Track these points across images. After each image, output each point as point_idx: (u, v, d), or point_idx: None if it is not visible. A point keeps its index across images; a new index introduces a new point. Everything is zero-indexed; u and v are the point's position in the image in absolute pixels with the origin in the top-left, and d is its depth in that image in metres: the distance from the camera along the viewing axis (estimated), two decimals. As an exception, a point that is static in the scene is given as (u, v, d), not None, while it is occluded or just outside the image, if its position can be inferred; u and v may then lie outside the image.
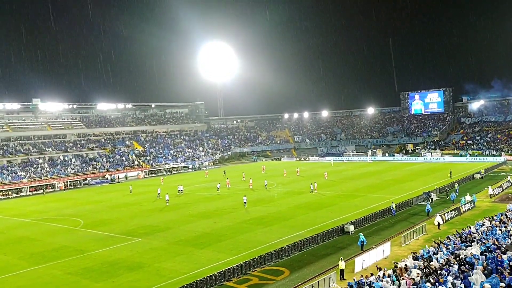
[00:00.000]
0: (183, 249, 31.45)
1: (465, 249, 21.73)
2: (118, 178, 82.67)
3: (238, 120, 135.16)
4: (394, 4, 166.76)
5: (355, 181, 61.99)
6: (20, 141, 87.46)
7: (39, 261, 30.30)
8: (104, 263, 29.01)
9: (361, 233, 29.71)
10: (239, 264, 25.66)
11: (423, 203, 42.46)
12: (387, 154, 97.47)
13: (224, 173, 77.16)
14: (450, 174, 60.71)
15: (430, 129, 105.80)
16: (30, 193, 70.46)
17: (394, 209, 39.02)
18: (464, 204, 39.24)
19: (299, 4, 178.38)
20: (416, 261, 20.73)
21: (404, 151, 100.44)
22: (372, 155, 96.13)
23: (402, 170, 72.50)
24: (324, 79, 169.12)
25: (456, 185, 49.77)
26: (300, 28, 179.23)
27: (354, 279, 20.13)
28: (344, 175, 69.41)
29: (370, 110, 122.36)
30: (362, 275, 20.63)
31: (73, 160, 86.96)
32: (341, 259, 24.58)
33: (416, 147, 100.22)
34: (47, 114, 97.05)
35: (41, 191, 70.71)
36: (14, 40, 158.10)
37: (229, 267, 25.23)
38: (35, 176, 76.82)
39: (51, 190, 72.83)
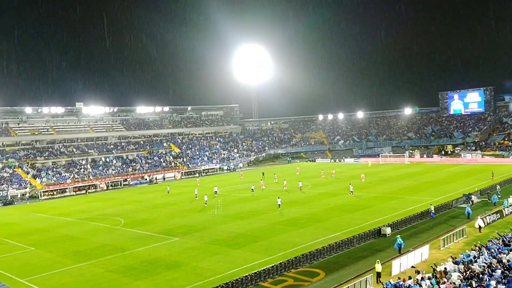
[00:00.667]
0: (219, 249, 32.00)
1: (508, 253, 21.13)
2: (156, 179, 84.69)
3: (272, 122, 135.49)
4: (431, 2, 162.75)
5: (392, 182, 60.99)
6: (64, 143, 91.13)
7: (82, 259, 31.57)
8: (143, 262, 29.94)
9: (398, 236, 29.32)
10: (274, 265, 25.88)
11: (463, 205, 41.32)
12: (425, 156, 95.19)
13: (263, 174, 76.93)
14: (492, 176, 58.75)
15: (470, 129, 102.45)
16: (74, 193, 73.30)
17: (433, 211, 38.19)
18: (507, 207, 37.91)
19: (334, 6, 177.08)
20: (457, 265, 20.33)
21: (443, 152, 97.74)
22: (409, 156, 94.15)
23: (441, 172, 70.68)
24: (359, 80, 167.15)
25: (498, 187, 48.11)
26: (334, 29, 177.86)
27: (391, 282, 19.95)
28: (381, 176, 68.38)
29: (407, 111, 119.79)
30: (399, 278, 20.44)
31: (114, 161, 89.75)
32: (378, 261, 24.39)
33: (456, 148, 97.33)
34: (89, 117, 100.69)
35: (84, 191, 73.48)
36: (59, 47, 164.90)
37: (265, 268, 25.49)
38: (78, 177, 79.84)
39: (93, 190, 75.52)
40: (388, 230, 33.03)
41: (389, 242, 31.01)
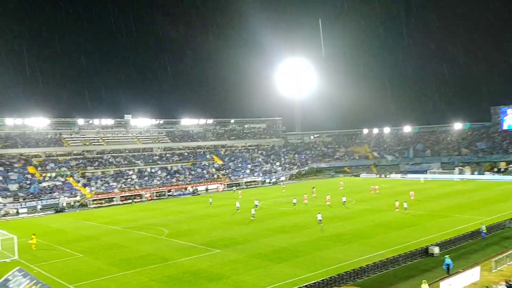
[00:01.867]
0: (260, 262, 31.87)
1: None
2: (198, 191, 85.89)
3: (315, 135, 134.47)
4: (484, 12, 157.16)
5: (440, 200, 58.74)
6: (113, 154, 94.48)
7: (127, 267, 32.34)
8: (186, 272, 30.28)
9: (446, 256, 28.12)
10: (317, 282, 25.44)
11: (518, 226, 39.16)
12: (476, 173, 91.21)
13: (313, 188, 73.06)
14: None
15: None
16: (121, 202, 75.60)
17: (484, 231, 36.37)
18: None
19: (382, 17, 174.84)
20: (510, 289, 19.26)
21: (495, 170, 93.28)
22: (459, 173, 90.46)
23: (493, 190, 67.40)
24: (406, 93, 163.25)
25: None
26: (381, 41, 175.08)
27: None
28: (429, 193, 66.04)
29: (457, 125, 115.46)
30: (447, 301, 19.55)
31: (159, 172, 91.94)
32: (425, 281, 23.46)
33: (509, 166, 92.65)
34: (136, 129, 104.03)
35: (130, 201, 75.61)
36: (110, 62, 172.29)
37: (307, 284, 25.11)
38: (125, 186, 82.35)
39: (139, 200, 77.58)
40: (436, 250, 31.74)
41: (437, 262, 29.79)
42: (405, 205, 51.22)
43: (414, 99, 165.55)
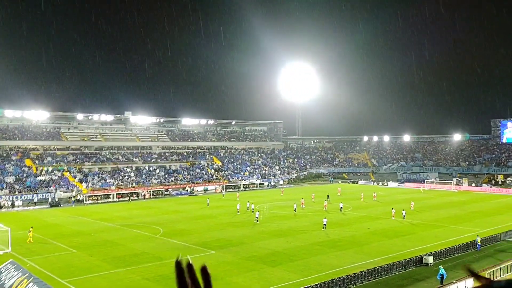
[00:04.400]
0: (254, 265, 31.80)
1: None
2: (197, 191, 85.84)
3: (315, 141, 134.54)
4: (486, 25, 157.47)
5: (436, 210, 58.71)
6: (111, 151, 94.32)
7: (120, 265, 32.23)
8: (179, 272, 30.11)
9: (441, 266, 28.07)
10: (310, 286, 25.38)
11: (514, 239, 39.13)
12: (473, 184, 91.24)
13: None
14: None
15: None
16: (117, 199, 75.43)
17: (479, 243, 36.36)
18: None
19: (384, 26, 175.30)
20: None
21: (493, 182, 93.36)
22: (457, 184, 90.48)
23: (490, 202, 67.38)
24: (407, 102, 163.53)
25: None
26: (383, 49, 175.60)
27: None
28: (425, 203, 66.00)
29: (457, 137, 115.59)
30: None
31: (157, 171, 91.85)
32: (418, 291, 23.40)
33: (507, 179, 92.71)
34: (136, 127, 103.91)
35: (127, 198, 75.47)
36: (109, 58, 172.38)
37: (300, 288, 25.07)
38: (122, 184, 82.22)
39: (136, 198, 77.43)
40: (430, 259, 31.71)
41: (430, 272, 29.75)
42: (403, 213, 51.22)
43: (415, 108, 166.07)
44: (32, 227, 41.85)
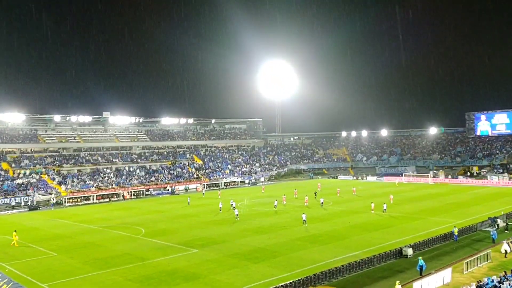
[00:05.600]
0: (237, 262, 32.00)
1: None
2: (178, 190, 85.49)
3: (295, 137, 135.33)
4: (459, 20, 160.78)
5: (414, 203, 59.94)
6: (90, 152, 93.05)
7: (102, 266, 31.99)
8: (162, 272, 30.16)
9: (420, 257, 28.77)
10: (293, 281, 25.72)
11: (488, 229, 40.31)
12: (449, 176, 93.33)
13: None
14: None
15: (497, 151, 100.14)
16: (97, 201, 74.52)
17: (456, 234, 37.38)
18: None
19: (359, 23, 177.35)
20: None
21: (468, 174, 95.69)
22: (433, 177, 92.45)
23: (465, 194, 69.15)
24: (384, 98, 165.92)
25: (526, 212, 46.71)
26: (359, 46, 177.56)
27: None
28: (403, 196, 67.32)
29: (433, 130, 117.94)
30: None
31: (138, 171, 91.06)
32: (398, 282, 23.99)
33: (482, 170, 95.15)
34: (115, 127, 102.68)
35: (108, 200, 74.64)
36: (87, 58, 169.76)
37: (283, 284, 25.36)
38: (102, 185, 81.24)
39: (116, 199, 76.63)
40: (409, 251, 32.46)
41: (410, 263, 30.47)
42: (384, 206, 52.23)
43: (392, 103, 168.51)
44: (15, 230, 41.66)
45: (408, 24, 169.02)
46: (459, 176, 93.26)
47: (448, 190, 75.15)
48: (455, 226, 38.76)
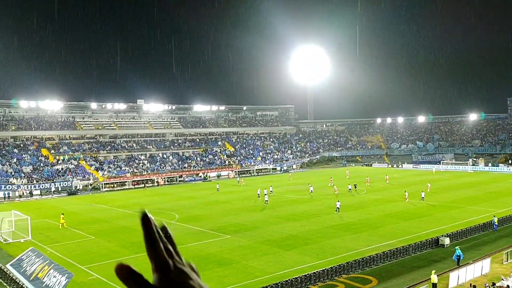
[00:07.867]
0: (269, 249, 32.02)
1: None
2: (210, 177, 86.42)
3: (328, 124, 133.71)
4: (502, 4, 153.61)
5: (453, 191, 58.22)
6: (125, 139, 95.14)
7: (138, 250, 32.58)
8: (196, 257, 30.52)
9: (457, 247, 27.93)
10: (325, 269, 25.50)
11: (531, 219, 38.67)
12: (490, 164, 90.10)
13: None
14: None
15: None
16: (133, 186, 76.36)
17: (496, 223, 36.05)
18: None
19: (397, 6, 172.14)
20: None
21: (510, 162, 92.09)
22: (473, 165, 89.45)
23: (507, 182, 66.55)
24: (421, 83, 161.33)
25: None
26: (395, 30, 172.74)
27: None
28: (441, 184, 65.48)
29: (473, 116, 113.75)
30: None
31: (171, 157, 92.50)
32: (434, 272, 23.38)
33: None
34: (149, 114, 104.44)
35: (143, 185, 76.34)
36: (124, 48, 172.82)
37: (315, 271, 25.19)
38: (137, 171, 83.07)
39: (151, 184, 78.25)
40: (446, 241, 31.56)
41: (447, 253, 29.64)
42: (422, 194, 51.06)
43: (429, 88, 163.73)
44: (63, 213, 43.65)
45: (449, 7, 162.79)
46: (500, 164, 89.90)
47: (488, 178, 72.60)
48: (494, 216, 37.38)
